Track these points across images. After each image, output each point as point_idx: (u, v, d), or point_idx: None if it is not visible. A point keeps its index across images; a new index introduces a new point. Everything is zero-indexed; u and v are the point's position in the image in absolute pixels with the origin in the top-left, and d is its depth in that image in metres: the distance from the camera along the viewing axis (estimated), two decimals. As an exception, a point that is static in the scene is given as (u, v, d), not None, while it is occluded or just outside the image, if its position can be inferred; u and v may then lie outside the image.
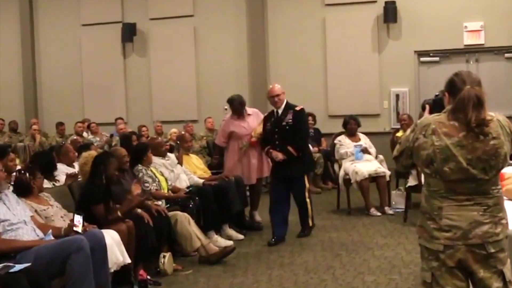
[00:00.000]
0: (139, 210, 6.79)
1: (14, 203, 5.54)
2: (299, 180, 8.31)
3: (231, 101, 9.39)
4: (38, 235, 5.47)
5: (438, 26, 14.37)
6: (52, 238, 5.57)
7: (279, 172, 8.33)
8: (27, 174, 6.06)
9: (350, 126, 10.59)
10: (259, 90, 15.42)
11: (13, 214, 5.39)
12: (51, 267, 5.14)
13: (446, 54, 14.67)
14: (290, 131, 8.16)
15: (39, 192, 6.13)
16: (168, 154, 8.81)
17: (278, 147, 8.19)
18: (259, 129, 8.91)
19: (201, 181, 8.80)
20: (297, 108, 8.29)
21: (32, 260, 5.01)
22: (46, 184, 6.99)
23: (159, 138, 9.86)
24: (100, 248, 5.53)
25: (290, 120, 8.18)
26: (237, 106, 9.26)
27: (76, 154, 8.95)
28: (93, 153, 7.54)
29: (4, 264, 4.83)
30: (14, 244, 5.27)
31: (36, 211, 5.87)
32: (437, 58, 14.72)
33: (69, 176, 7.75)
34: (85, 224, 5.77)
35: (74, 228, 5.65)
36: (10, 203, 5.47)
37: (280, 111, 8.27)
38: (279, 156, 8.16)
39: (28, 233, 5.39)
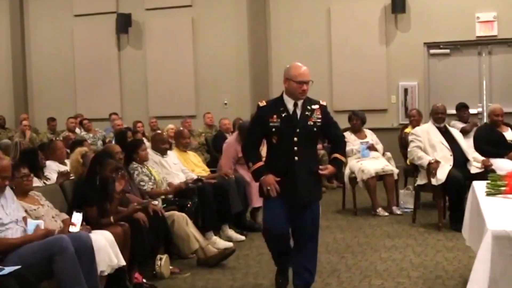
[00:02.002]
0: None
1: (10, 200, 5.52)
2: (315, 206, 6.01)
3: (241, 129, 9.14)
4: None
5: (449, 17, 14.38)
6: (35, 227, 5.57)
7: (289, 196, 5.76)
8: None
9: (352, 122, 10.60)
10: (260, 83, 15.49)
11: (6, 213, 5.38)
12: (37, 270, 5.14)
13: (457, 46, 14.68)
14: (317, 134, 5.93)
15: (29, 191, 6.12)
16: (168, 152, 8.82)
17: (297, 156, 5.72)
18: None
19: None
20: (323, 103, 5.94)
21: (19, 263, 5.00)
22: (37, 182, 6.99)
23: (164, 134, 9.81)
24: (86, 249, 5.51)
25: (319, 120, 5.82)
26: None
27: (69, 151, 8.95)
28: (85, 149, 7.52)
29: (-8, 266, 4.83)
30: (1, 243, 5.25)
31: (26, 210, 5.85)
32: (447, 50, 14.73)
33: (61, 174, 7.74)
34: (84, 223, 5.82)
35: (70, 229, 5.68)
36: (6, 200, 5.45)
37: (299, 104, 5.79)
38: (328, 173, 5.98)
39: (17, 234, 5.37)
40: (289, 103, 5.77)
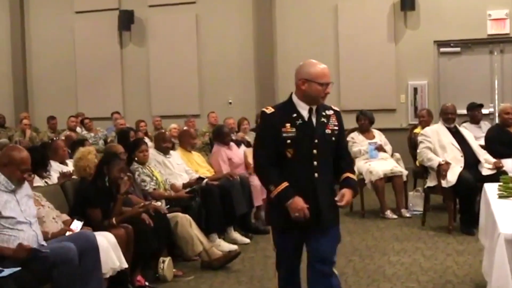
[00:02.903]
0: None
1: (25, 197, 5.49)
2: (334, 232, 5.01)
3: (218, 132, 9.79)
4: (38, 242, 5.42)
5: (459, 14, 14.34)
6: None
7: (309, 221, 4.76)
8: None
9: (360, 122, 10.59)
10: (265, 82, 15.49)
11: (21, 210, 5.35)
12: (39, 274, 5.14)
13: (468, 45, 14.64)
14: (335, 144, 4.93)
15: (29, 191, 6.12)
16: (171, 152, 8.83)
17: (318, 172, 4.81)
18: None
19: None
20: (337, 108, 5.10)
21: (20, 265, 5.00)
22: (38, 182, 7.00)
23: (167, 133, 9.85)
24: (92, 250, 5.52)
25: (336, 127, 4.95)
26: (226, 138, 9.62)
27: (69, 151, 8.95)
28: (90, 148, 7.53)
29: (-9, 268, 4.84)
30: None
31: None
32: (458, 49, 14.70)
33: (63, 175, 7.74)
34: (84, 229, 5.85)
35: (67, 234, 5.69)
36: (21, 196, 5.43)
37: (313, 110, 4.89)
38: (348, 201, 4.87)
39: (29, 239, 5.30)
40: (303, 108, 4.85)
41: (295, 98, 4.89)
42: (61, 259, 5.17)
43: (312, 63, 4.94)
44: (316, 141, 4.79)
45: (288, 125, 4.78)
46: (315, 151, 4.78)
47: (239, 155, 9.61)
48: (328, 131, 4.87)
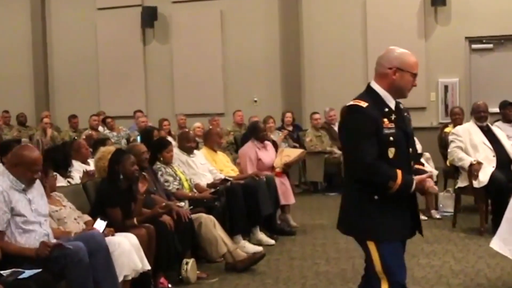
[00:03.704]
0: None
1: (38, 196, 5.54)
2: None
3: (254, 128, 9.75)
4: (49, 240, 5.45)
5: (491, 10, 14.25)
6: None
7: (410, 229, 4.46)
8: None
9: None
10: (292, 80, 15.47)
11: (31, 209, 5.39)
12: (53, 272, 5.19)
13: (501, 41, 14.56)
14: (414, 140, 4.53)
15: (51, 192, 6.17)
16: (195, 151, 8.86)
17: (412, 175, 4.28)
18: (285, 158, 9.08)
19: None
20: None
21: (39, 265, 5.05)
22: (61, 181, 7.05)
23: (191, 132, 9.86)
24: (100, 251, 5.54)
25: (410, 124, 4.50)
26: (261, 133, 9.56)
27: (91, 150, 9.01)
28: (111, 148, 7.56)
29: (13, 270, 4.88)
30: (11, 248, 5.27)
31: (48, 212, 5.90)
32: (490, 45, 14.62)
33: (86, 173, 7.79)
34: (106, 230, 5.88)
35: None
36: (33, 195, 5.47)
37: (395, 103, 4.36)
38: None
39: (40, 239, 5.35)
40: (390, 102, 4.30)
41: (380, 90, 4.34)
42: (71, 259, 5.22)
43: (404, 52, 4.41)
44: (409, 138, 4.36)
45: (386, 120, 4.20)
46: (410, 149, 4.35)
47: (271, 156, 9.53)
48: (411, 127, 4.42)
